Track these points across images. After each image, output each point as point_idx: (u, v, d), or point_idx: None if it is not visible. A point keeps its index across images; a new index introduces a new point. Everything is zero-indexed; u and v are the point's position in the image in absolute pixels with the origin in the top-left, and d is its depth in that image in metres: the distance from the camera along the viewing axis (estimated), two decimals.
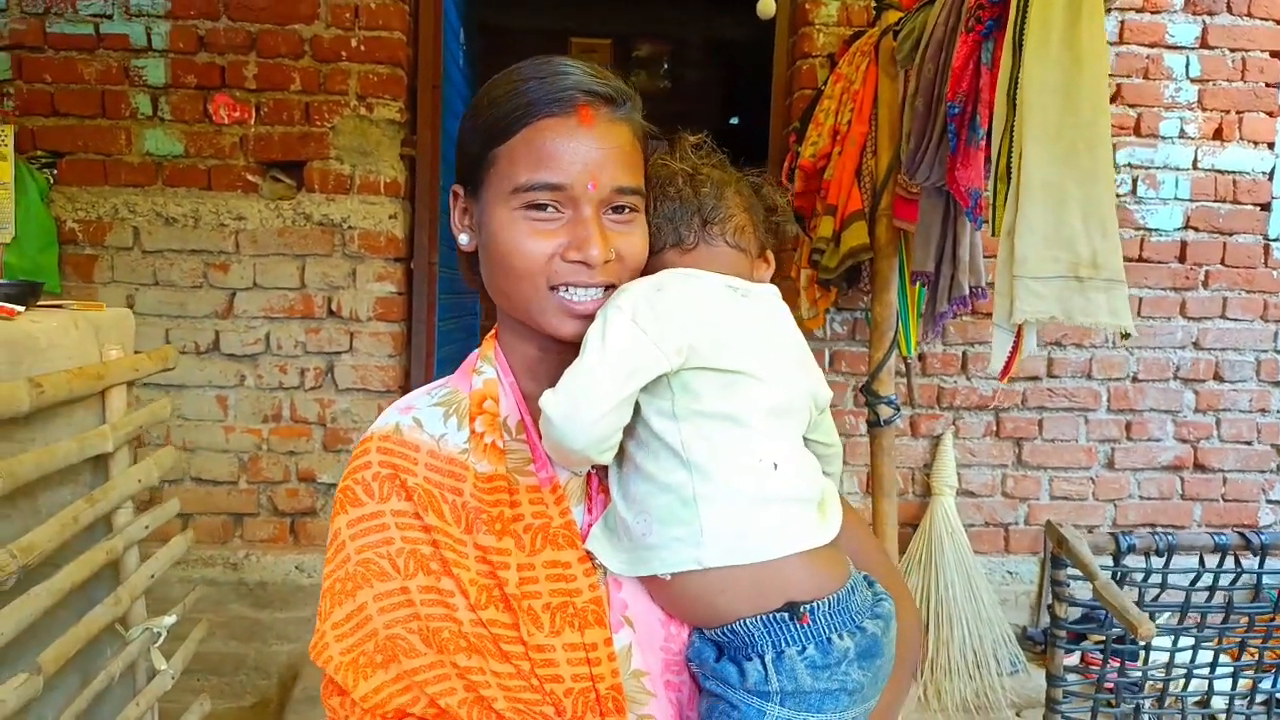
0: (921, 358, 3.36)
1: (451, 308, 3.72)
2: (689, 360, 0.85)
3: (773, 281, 1.03)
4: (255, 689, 3.15)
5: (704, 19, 5.97)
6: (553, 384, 0.99)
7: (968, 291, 2.37)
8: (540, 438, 0.93)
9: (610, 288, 0.91)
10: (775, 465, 0.86)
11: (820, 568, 0.86)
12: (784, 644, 0.83)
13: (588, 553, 0.90)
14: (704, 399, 0.86)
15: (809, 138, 3.02)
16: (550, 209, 0.90)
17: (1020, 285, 1.61)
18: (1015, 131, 1.71)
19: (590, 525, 0.94)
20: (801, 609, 0.83)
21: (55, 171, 3.10)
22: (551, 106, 0.89)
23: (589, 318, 0.90)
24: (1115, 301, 1.56)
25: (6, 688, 1.37)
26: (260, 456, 3.20)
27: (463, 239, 1.00)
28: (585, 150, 0.89)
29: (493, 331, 1.05)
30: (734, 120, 6.42)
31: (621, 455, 0.90)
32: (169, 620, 1.86)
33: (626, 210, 0.92)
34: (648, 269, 0.96)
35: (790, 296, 3.26)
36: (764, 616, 0.84)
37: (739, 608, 0.84)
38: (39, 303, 1.88)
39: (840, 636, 0.84)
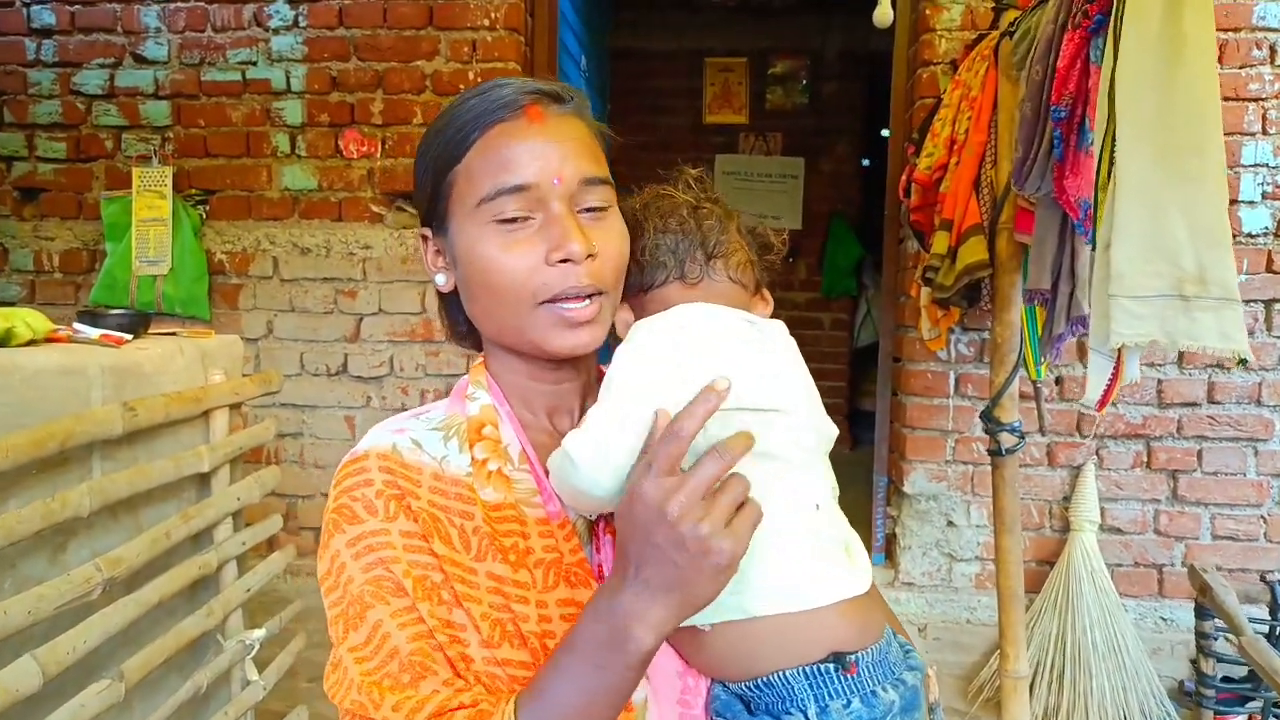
0: (1059, 381, 3.10)
1: None
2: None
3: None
4: None
5: (842, 30, 5.82)
6: (549, 414, 0.97)
7: (1087, 310, 2.16)
8: (545, 474, 0.89)
9: (599, 294, 0.87)
10: (817, 505, 0.83)
11: (862, 616, 0.82)
12: (828, 697, 0.79)
13: None
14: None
15: (925, 149, 2.86)
16: (520, 219, 0.86)
17: (1116, 305, 1.44)
18: (1113, 133, 1.54)
19: (600, 566, 0.89)
20: (849, 659, 0.79)
21: (207, 208, 3.37)
22: (499, 112, 0.87)
23: (585, 325, 0.86)
24: (1226, 323, 1.37)
25: (88, 693, 1.47)
26: None
27: (439, 279, 0.95)
28: (542, 148, 0.86)
29: (479, 360, 1.00)
30: (885, 133, 6.21)
31: None
32: (259, 634, 1.95)
33: (598, 208, 0.88)
34: (646, 304, 0.92)
35: (911, 316, 3.11)
36: (806, 668, 0.79)
37: (779, 659, 0.80)
38: (156, 331, 2.04)
39: (884, 689, 0.80)
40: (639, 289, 0.94)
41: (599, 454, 0.78)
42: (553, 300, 0.86)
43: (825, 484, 0.86)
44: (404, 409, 3.25)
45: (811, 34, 5.90)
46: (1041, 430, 2.97)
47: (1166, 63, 1.40)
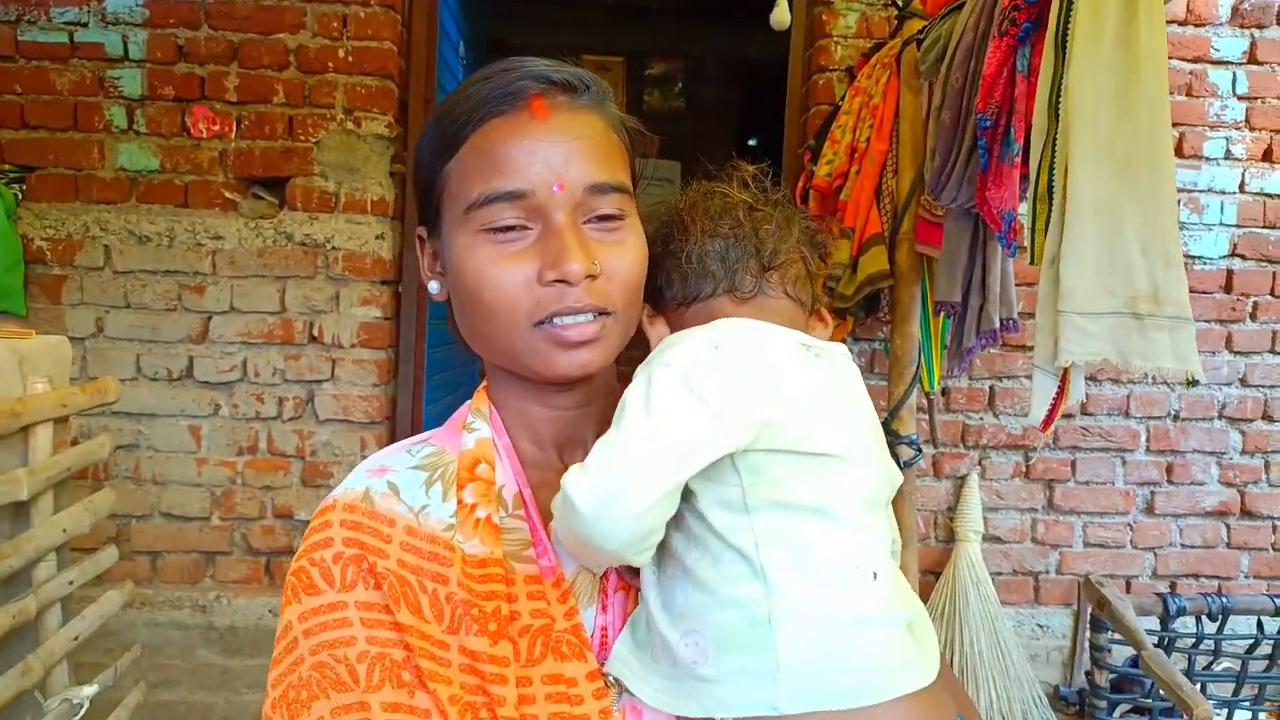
0: (945, 393, 3.12)
1: (445, 333, 3.51)
2: (760, 439, 0.66)
3: None
4: None
5: (721, 36, 5.80)
6: (557, 446, 0.82)
7: (998, 324, 2.14)
8: (543, 522, 0.75)
9: (602, 314, 0.73)
10: (875, 575, 0.67)
11: (924, 712, 0.66)
12: None
13: (599, 666, 0.71)
14: (784, 487, 0.67)
15: (824, 156, 2.81)
16: (516, 228, 0.73)
17: (1067, 322, 1.38)
18: (1059, 145, 1.48)
19: (604, 630, 0.74)
20: None
21: (24, 187, 2.93)
22: (499, 104, 0.74)
23: (584, 346, 0.73)
24: (1181, 343, 1.33)
25: None
26: (234, 491, 3.00)
27: (433, 287, 0.84)
28: (544, 148, 0.73)
29: (483, 384, 0.86)
30: (752, 142, 6.22)
31: (661, 549, 0.70)
32: (89, 690, 1.65)
33: (612, 218, 0.74)
34: (687, 320, 0.78)
35: None
36: None
37: None
38: None
39: None
40: (680, 301, 0.79)
41: (607, 499, 0.63)
42: (548, 319, 0.73)
43: (885, 546, 0.71)
44: (257, 418, 2.98)
45: (690, 38, 5.86)
46: (934, 442, 2.98)
47: (1123, 76, 1.35)
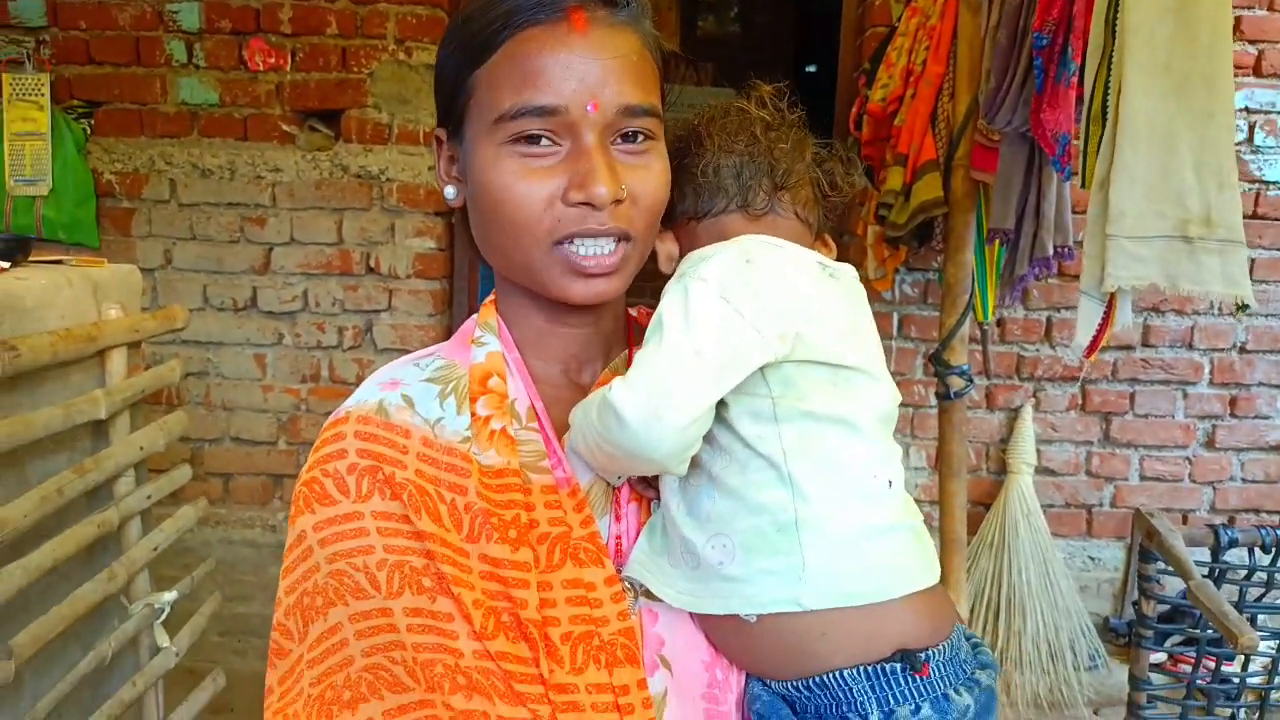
0: (1000, 324, 3.07)
1: None
2: (794, 351, 0.69)
3: (838, 237, 0.84)
4: None
5: None
6: (565, 365, 0.83)
7: (1051, 252, 2.10)
8: (556, 435, 0.77)
9: (624, 238, 0.73)
10: (890, 483, 0.71)
11: (931, 610, 0.72)
12: (893, 701, 0.68)
13: (616, 572, 0.73)
14: (811, 398, 0.69)
15: (879, 80, 2.74)
16: (544, 141, 0.72)
17: (1115, 246, 1.36)
18: (1114, 64, 1.44)
19: (618, 539, 0.77)
20: (919, 658, 0.69)
21: (92, 122, 3.03)
22: (535, 13, 0.72)
23: (601, 276, 0.73)
24: (1231, 267, 1.30)
25: None
26: (299, 417, 3.12)
27: (448, 192, 0.83)
28: (580, 63, 0.71)
29: (491, 296, 0.86)
30: (811, 68, 6.07)
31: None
32: (170, 596, 1.76)
33: (640, 138, 0.74)
34: (698, 234, 0.79)
35: (857, 255, 3.03)
36: (869, 668, 0.69)
37: (837, 657, 0.69)
38: (35, 259, 1.78)
39: (958, 692, 0.70)
40: (690, 215, 0.80)
41: (653, 412, 0.65)
42: (568, 239, 0.73)
43: (898, 456, 0.74)
44: (319, 347, 3.07)
45: None
46: (986, 373, 2.95)
47: None
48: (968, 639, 0.75)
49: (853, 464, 0.70)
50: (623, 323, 0.88)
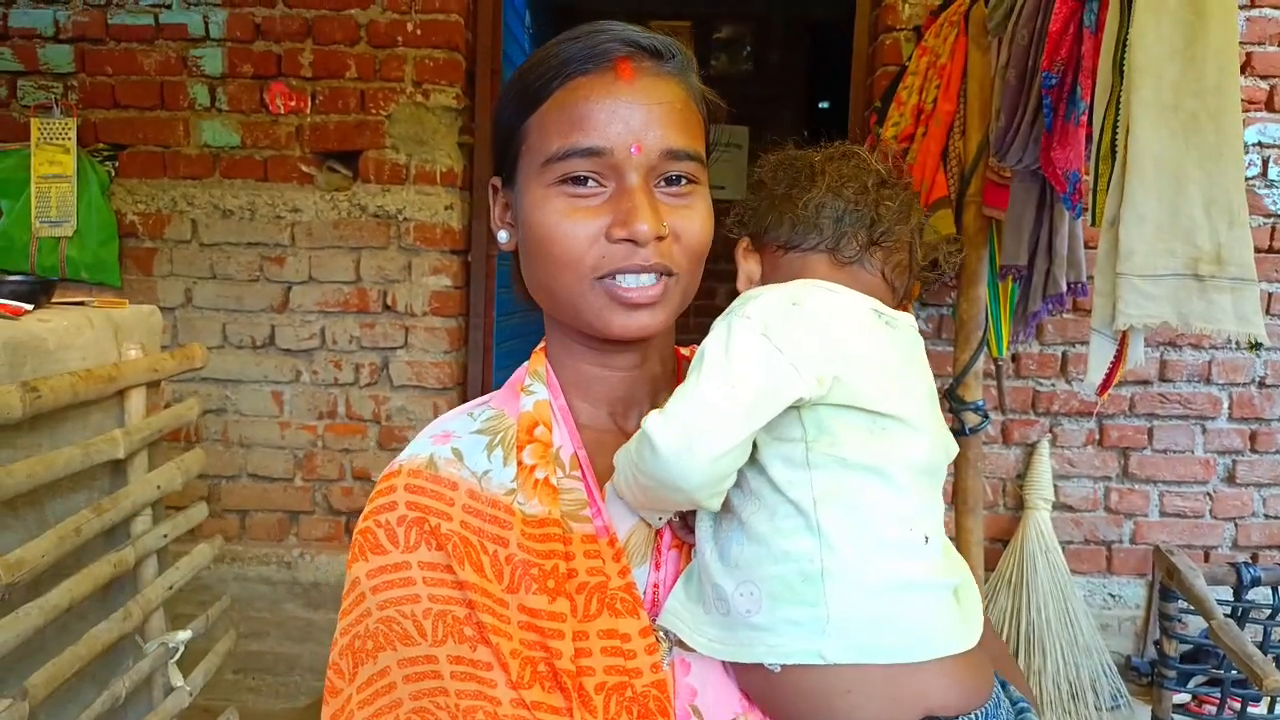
0: (1015, 359, 3.06)
1: (512, 302, 3.56)
2: (831, 394, 0.68)
3: None
4: (309, 689, 3.09)
5: None
6: (612, 409, 0.85)
7: (1065, 288, 2.10)
8: (598, 483, 0.78)
9: (666, 274, 0.76)
10: (926, 539, 0.69)
11: (965, 675, 0.69)
12: None
13: (651, 623, 0.74)
14: (845, 444, 0.69)
15: (890, 118, 2.77)
16: (590, 182, 0.76)
17: (1126, 284, 1.36)
18: (1123, 103, 1.45)
19: (655, 587, 0.77)
20: None
21: (116, 164, 3.09)
22: (585, 64, 0.76)
23: (643, 308, 0.76)
24: (1244, 305, 1.30)
25: None
26: (315, 454, 3.13)
27: (502, 236, 0.86)
28: (626, 109, 0.75)
29: (541, 344, 0.89)
30: (824, 104, 6.11)
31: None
32: (184, 635, 1.77)
33: (683, 182, 0.77)
34: (779, 263, 0.80)
35: None
36: None
37: (860, 716, 0.67)
38: (58, 301, 1.81)
39: None
40: (780, 244, 0.80)
41: (686, 442, 0.65)
42: (610, 275, 0.75)
43: (938, 512, 0.73)
44: (336, 384, 3.10)
45: (753, 1, 5.77)
46: (1002, 408, 2.93)
47: (1189, 28, 1.31)
48: (1014, 703, 0.73)
49: (885, 516, 0.69)
50: (671, 366, 0.90)
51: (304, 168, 3.07)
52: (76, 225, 2.98)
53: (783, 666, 0.68)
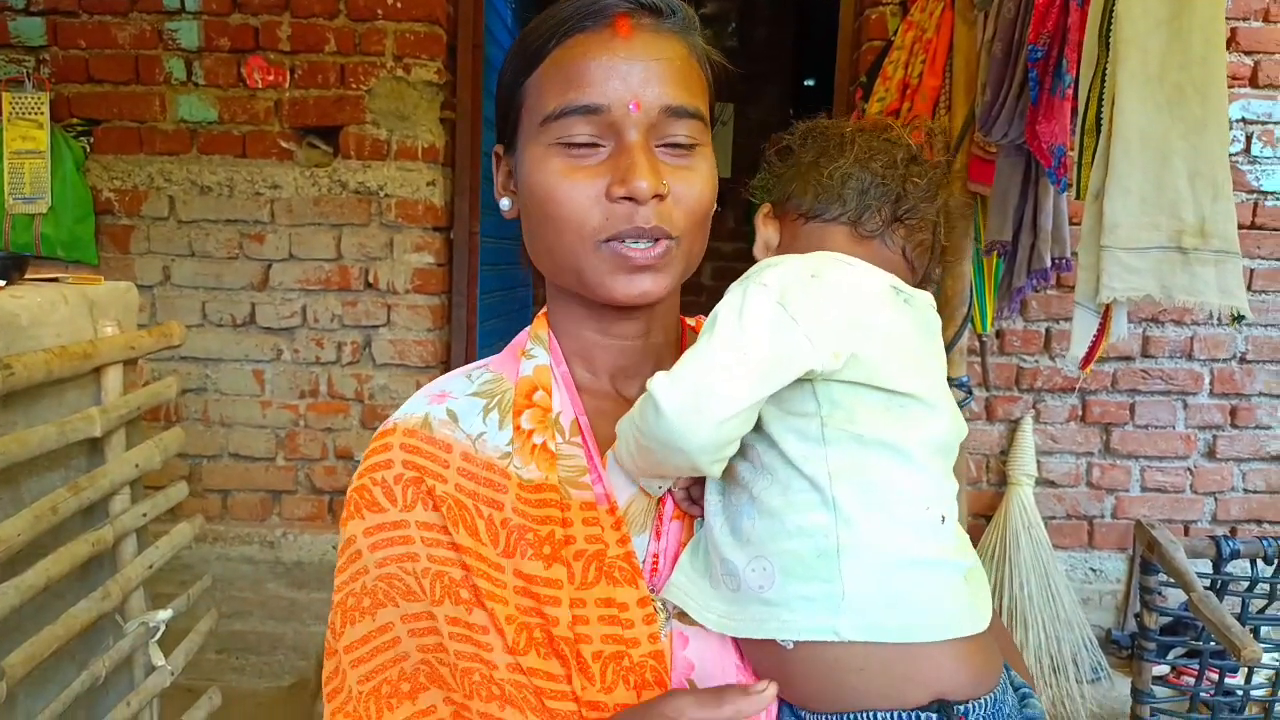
0: (999, 335, 3.07)
1: (496, 279, 3.57)
2: (847, 370, 0.67)
3: None
4: (293, 669, 3.08)
5: None
6: (613, 377, 0.83)
7: (1049, 263, 2.10)
8: (599, 450, 0.77)
9: (666, 238, 0.74)
10: (942, 518, 0.69)
11: (976, 659, 0.68)
12: None
13: (650, 593, 0.73)
14: (862, 420, 0.67)
15: (876, 93, 2.75)
16: (589, 144, 0.74)
17: (1109, 257, 1.36)
18: (1108, 76, 1.44)
19: (655, 557, 0.76)
20: (957, 710, 0.66)
21: (91, 140, 3.03)
22: (584, 21, 0.74)
23: (647, 270, 0.74)
24: (1227, 277, 1.30)
25: None
26: (298, 433, 3.11)
27: (504, 204, 0.85)
28: (624, 65, 0.73)
29: (543, 309, 0.87)
30: (809, 81, 6.08)
31: (727, 475, 0.72)
32: (165, 614, 1.75)
33: (684, 142, 0.75)
34: (799, 232, 0.79)
35: None
36: (903, 713, 0.66)
37: (871, 696, 0.66)
38: (31, 277, 1.78)
39: None
40: (801, 213, 0.79)
41: (693, 402, 0.64)
42: (613, 239, 0.74)
43: (953, 492, 0.72)
44: (318, 363, 3.07)
45: None
46: (986, 385, 2.94)
47: (1176, 0, 1.30)
48: (1016, 689, 0.73)
49: (901, 493, 0.68)
50: (675, 335, 0.88)
51: (283, 143, 3.03)
52: (51, 202, 2.93)
53: (795, 643, 0.67)
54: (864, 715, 0.66)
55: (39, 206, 2.93)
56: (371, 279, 3.06)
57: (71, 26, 2.99)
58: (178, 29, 2.99)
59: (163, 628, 1.77)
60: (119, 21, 2.99)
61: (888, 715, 0.66)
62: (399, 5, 2.97)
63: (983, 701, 0.67)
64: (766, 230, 0.81)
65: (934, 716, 0.65)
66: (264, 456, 3.12)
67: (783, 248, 0.80)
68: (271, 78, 3.00)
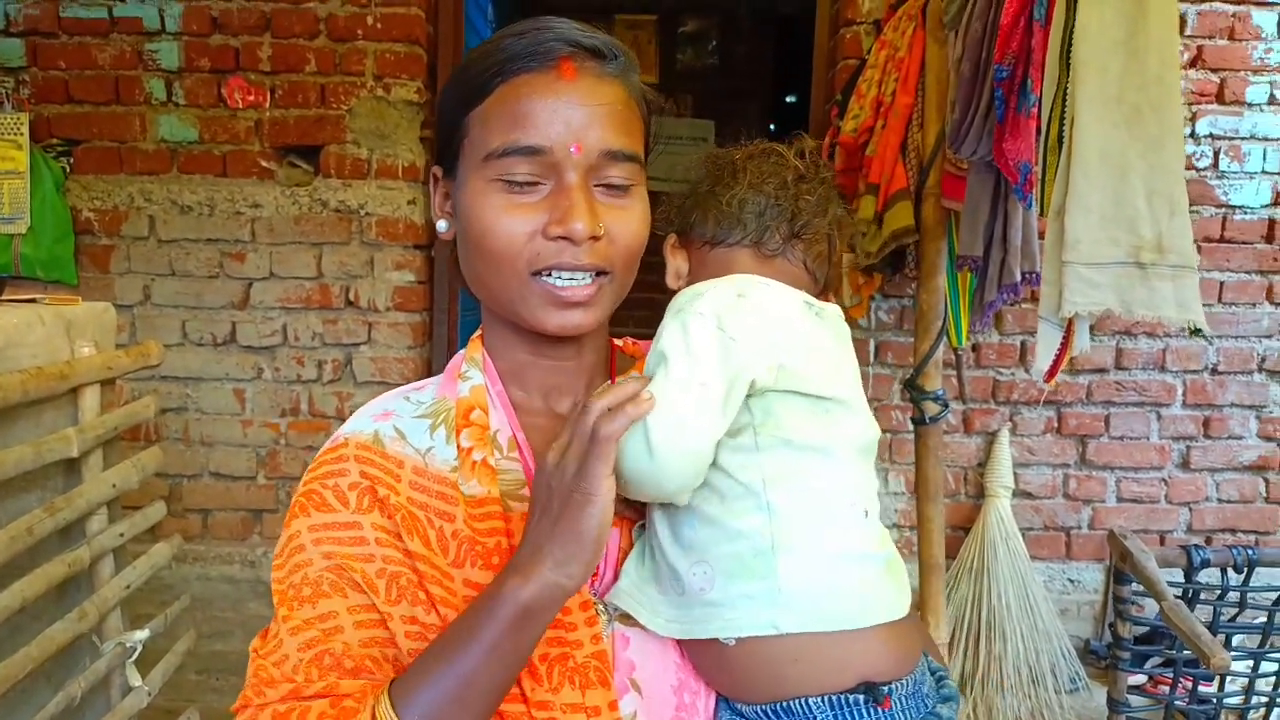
0: (975, 348, 3.11)
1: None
2: (778, 380, 0.72)
3: None
4: None
5: None
6: (546, 395, 0.86)
7: (1019, 278, 2.13)
8: (535, 464, 0.78)
9: (601, 274, 0.77)
10: (866, 513, 0.75)
11: (897, 643, 0.74)
12: None
13: (590, 598, 0.76)
14: (791, 427, 0.72)
15: (850, 111, 2.79)
16: (530, 181, 0.76)
17: (1070, 272, 1.39)
18: (1069, 95, 1.48)
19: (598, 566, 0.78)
20: (881, 691, 0.71)
21: (71, 160, 3.04)
22: (529, 61, 0.77)
23: (577, 307, 0.77)
24: (1184, 292, 1.33)
25: None
26: (278, 451, 3.11)
27: (441, 225, 0.87)
28: (567, 108, 0.76)
29: (478, 332, 0.90)
30: (791, 98, 6.14)
31: None
32: (142, 635, 1.75)
33: (620, 184, 0.78)
34: (706, 259, 0.83)
35: (832, 283, 3.05)
36: (833, 697, 0.71)
37: (806, 684, 0.71)
38: (8, 298, 1.78)
39: None
40: (705, 240, 0.84)
41: (680, 439, 0.68)
42: (545, 271, 0.77)
43: (874, 489, 0.78)
44: (298, 381, 3.07)
45: None
46: (962, 398, 2.98)
47: (1131, 20, 1.34)
48: (932, 672, 0.77)
49: (830, 491, 0.73)
50: (605, 355, 0.92)
51: (264, 163, 3.04)
52: (30, 222, 2.93)
53: (737, 640, 0.71)
54: (798, 702, 0.71)
55: (18, 227, 2.93)
56: (352, 297, 3.07)
57: (51, 47, 3.00)
58: (158, 50, 3.01)
59: (139, 648, 1.77)
60: (99, 42, 3.00)
61: (820, 700, 0.70)
62: (379, 26, 3.00)
63: (904, 681, 0.73)
64: (675, 260, 0.85)
65: (861, 697, 0.70)
66: (245, 475, 3.11)
67: (692, 275, 0.84)
68: (252, 98, 3.02)
